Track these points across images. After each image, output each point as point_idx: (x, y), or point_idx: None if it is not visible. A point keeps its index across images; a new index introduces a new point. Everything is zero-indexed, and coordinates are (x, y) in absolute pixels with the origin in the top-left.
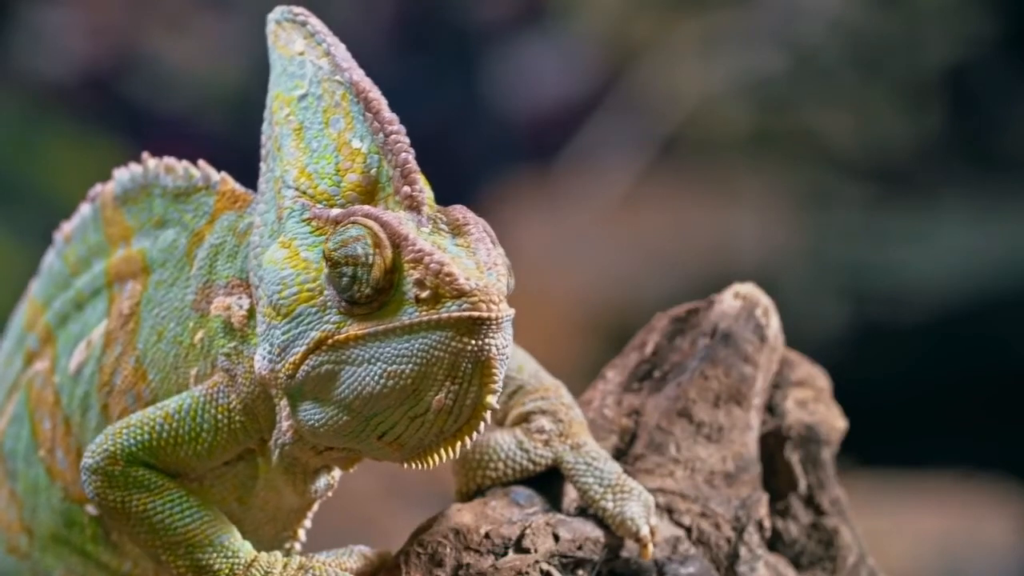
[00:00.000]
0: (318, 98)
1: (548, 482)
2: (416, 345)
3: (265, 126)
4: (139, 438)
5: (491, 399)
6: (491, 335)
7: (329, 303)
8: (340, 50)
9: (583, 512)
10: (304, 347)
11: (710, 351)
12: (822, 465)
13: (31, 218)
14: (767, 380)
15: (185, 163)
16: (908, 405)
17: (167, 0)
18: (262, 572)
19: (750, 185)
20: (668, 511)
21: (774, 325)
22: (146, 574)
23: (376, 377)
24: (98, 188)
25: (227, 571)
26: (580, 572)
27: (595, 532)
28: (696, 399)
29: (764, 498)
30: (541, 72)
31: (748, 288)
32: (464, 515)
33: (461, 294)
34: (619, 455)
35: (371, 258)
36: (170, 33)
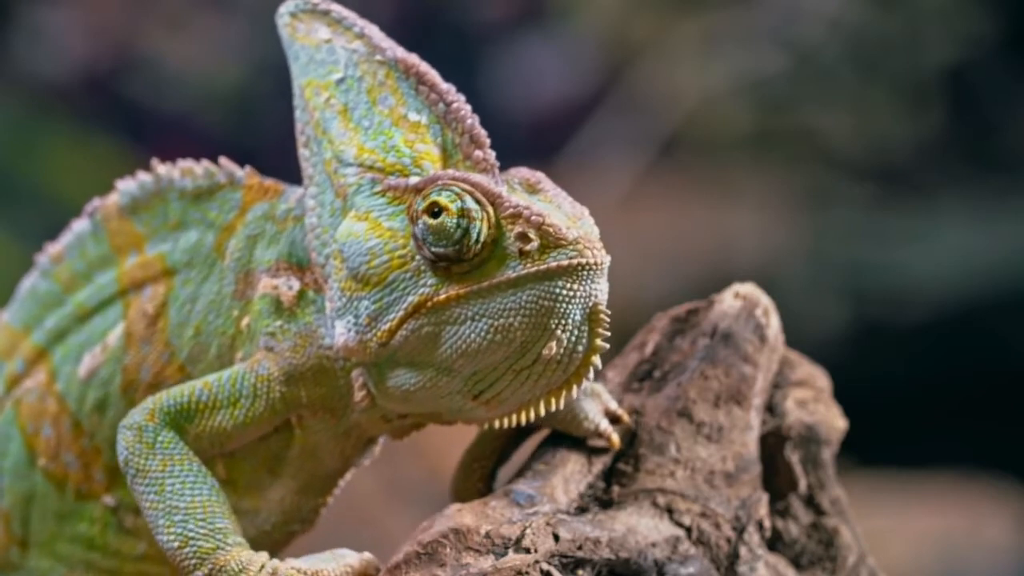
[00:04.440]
0: (358, 80)
1: (548, 482)
2: (524, 297)
3: (299, 114)
4: (178, 400)
5: (601, 342)
6: (597, 280)
7: (423, 267)
8: (374, 31)
9: (583, 512)
10: (401, 312)
11: (710, 351)
12: (822, 465)
13: (31, 218)
14: (767, 380)
15: (205, 162)
16: (908, 405)
17: (167, 0)
18: (239, 566)
19: (750, 185)
20: (668, 511)
21: (774, 325)
22: (160, 554)
23: (483, 333)
24: (96, 202)
25: (209, 550)
26: (580, 572)
27: (595, 532)
28: (696, 399)
29: (764, 498)
30: (541, 72)
31: (748, 288)
32: (464, 515)
33: (567, 243)
34: (619, 455)
35: (480, 213)
36: (170, 33)
